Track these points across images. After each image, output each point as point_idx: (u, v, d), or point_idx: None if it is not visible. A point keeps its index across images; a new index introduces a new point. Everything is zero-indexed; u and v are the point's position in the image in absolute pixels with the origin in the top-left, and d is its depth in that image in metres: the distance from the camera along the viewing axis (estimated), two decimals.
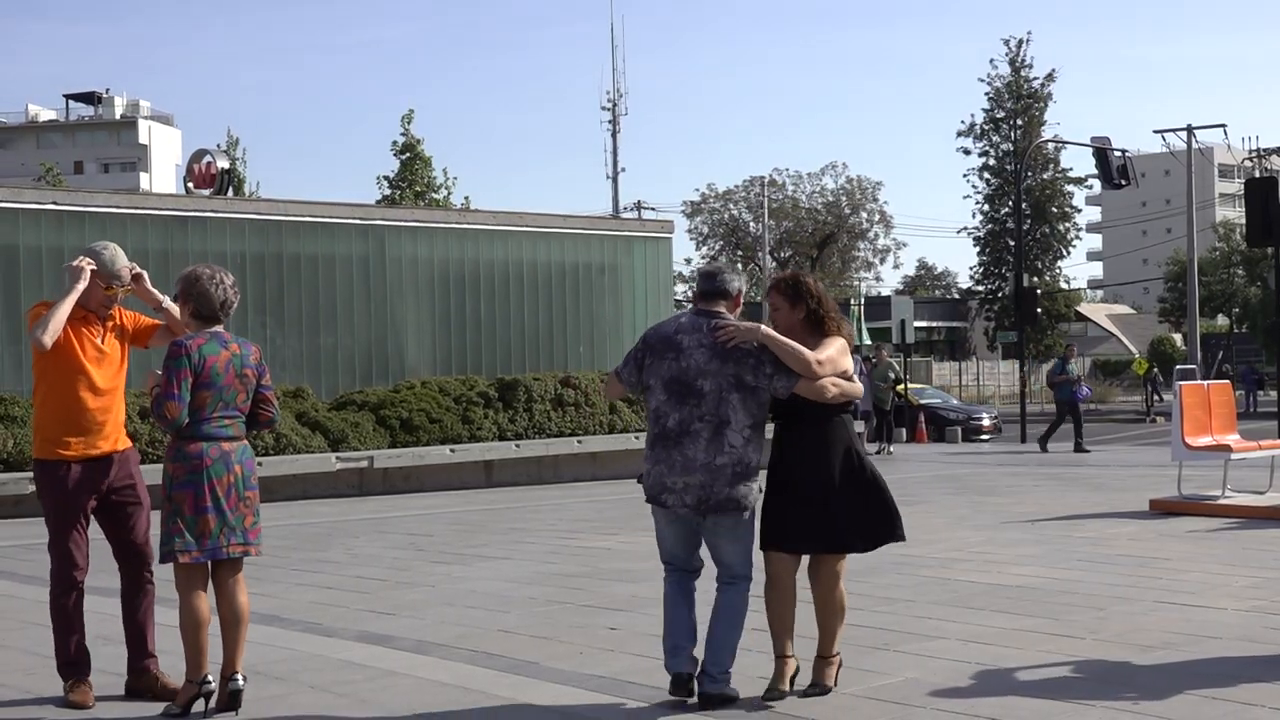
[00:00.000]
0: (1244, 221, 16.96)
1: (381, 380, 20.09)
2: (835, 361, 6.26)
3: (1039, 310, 40.28)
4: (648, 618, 8.31)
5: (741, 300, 6.40)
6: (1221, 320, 77.09)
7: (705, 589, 6.38)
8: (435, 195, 39.29)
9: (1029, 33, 79.46)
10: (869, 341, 43.90)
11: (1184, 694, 6.28)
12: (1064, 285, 72.76)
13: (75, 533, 6.39)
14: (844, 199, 74.00)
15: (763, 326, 6.23)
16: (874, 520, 6.44)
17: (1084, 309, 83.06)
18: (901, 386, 29.82)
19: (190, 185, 25.25)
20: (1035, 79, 68.13)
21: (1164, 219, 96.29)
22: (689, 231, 73.86)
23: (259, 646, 7.21)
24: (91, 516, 6.47)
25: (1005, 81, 68.11)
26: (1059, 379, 26.10)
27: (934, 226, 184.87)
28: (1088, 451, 25.26)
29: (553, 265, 22.44)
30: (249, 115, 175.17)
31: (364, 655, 7.41)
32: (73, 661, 6.41)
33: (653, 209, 63.41)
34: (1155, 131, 47.85)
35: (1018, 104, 67.84)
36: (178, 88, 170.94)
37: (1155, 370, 64.69)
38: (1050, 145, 64.50)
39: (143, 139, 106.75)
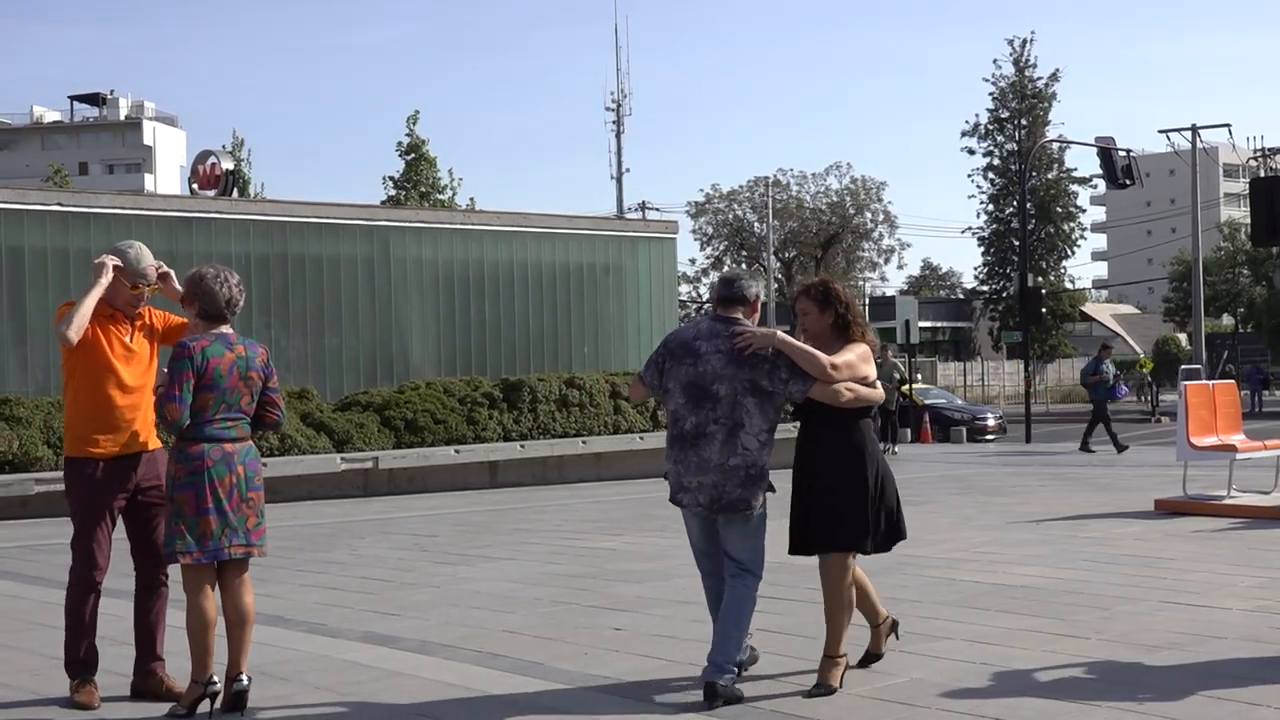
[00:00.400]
0: (1249, 221, 16.93)
1: (386, 381, 20.10)
2: (853, 367, 6.42)
3: (1044, 310, 40.28)
4: (652, 618, 8.31)
5: (759, 305, 6.57)
6: (1226, 320, 77.01)
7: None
8: (440, 196, 39.33)
9: (1033, 32, 79.28)
10: (880, 343, 43.80)
11: (1190, 694, 6.27)
12: (1069, 285, 72.69)
13: (99, 532, 6.40)
14: (848, 199, 73.96)
15: (778, 333, 6.39)
16: (882, 524, 6.58)
17: (1089, 309, 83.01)
18: (906, 387, 29.81)
19: (195, 186, 25.28)
20: (1039, 79, 68.09)
21: (1169, 219, 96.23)
22: (693, 232, 73.85)
23: (264, 647, 7.21)
24: (119, 517, 6.48)
25: (1009, 81, 68.06)
26: (1093, 379, 25.54)
27: (938, 226, 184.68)
28: (1093, 452, 25.12)
29: (557, 266, 22.44)
30: (254, 116, 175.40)
31: (369, 656, 7.41)
32: (82, 661, 6.42)
33: (657, 209, 63.37)
34: (1160, 131, 47.85)
35: (1022, 104, 67.79)
36: (182, 89, 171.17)
37: (1148, 376, 64.56)
38: (1054, 145, 64.45)
39: (147, 140, 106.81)
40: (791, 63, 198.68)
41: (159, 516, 6.43)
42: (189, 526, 6.09)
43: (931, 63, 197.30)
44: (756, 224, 72.78)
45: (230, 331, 6.29)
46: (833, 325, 6.55)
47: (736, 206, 73.94)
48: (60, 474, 15.81)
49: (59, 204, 18.51)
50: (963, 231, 77.85)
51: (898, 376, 27.08)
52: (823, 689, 6.40)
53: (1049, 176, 68.36)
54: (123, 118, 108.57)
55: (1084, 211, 72.53)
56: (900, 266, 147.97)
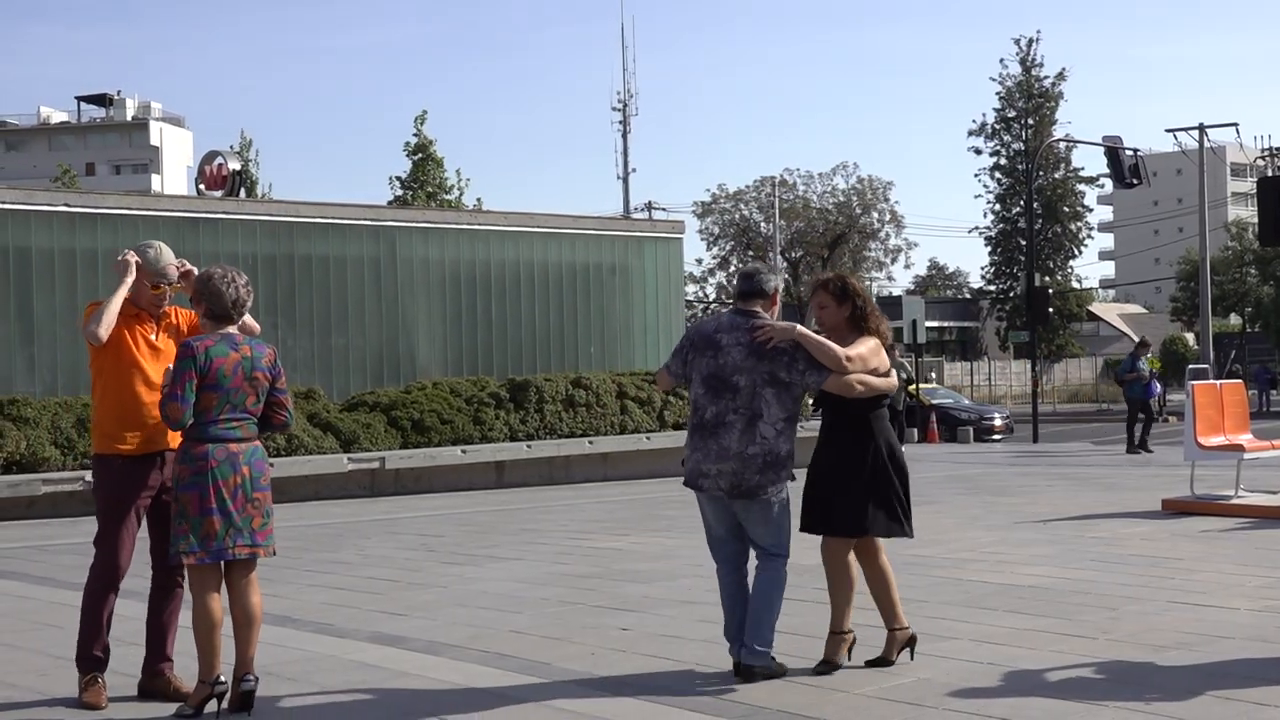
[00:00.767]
0: (1256, 220, 16.91)
1: (393, 381, 20.11)
2: (865, 359, 6.65)
3: (1051, 310, 40.22)
4: (659, 618, 8.31)
5: (779, 298, 6.79)
6: (1234, 320, 76.88)
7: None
8: (447, 196, 39.30)
9: (1039, 32, 79.52)
10: (891, 336, 43.79)
11: (1197, 695, 6.27)
12: (1076, 285, 72.65)
13: (125, 531, 6.41)
14: (855, 199, 73.89)
15: (797, 326, 6.60)
16: (888, 510, 6.83)
17: (1096, 308, 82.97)
18: (913, 386, 29.79)
19: (202, 187, 25.30)
20: (1046, 78, 68.07)
21: (1176, 218, 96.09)
22: (700, 232, 73.79)
23: (271, 647, 7.22)
24: (144, 517, 6.49)
25: (1016, 81, 68.03)
26: (1129, 376, 25.00)
27: (945, 226, 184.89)
28: (1151, 452, 24.35)
29: (564, 266, 22.44)
30: (261, 116, 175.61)
31: (376, 656, 7.42)
32: (94, 658, 6.43)
33: (663, 209, 63.42)
34: (1167, 130, 47.81)
35: (1029, 103, 67.75)
36: (189, 89, 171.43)
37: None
38: (1061, 144, 64.40)
39: (154, 141, 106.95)
40: (798, 62, 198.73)
41: None
42: (192, 527, 6.09)
43: (938, 62, 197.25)
44: (763, 224, 72.73)
45: (236, 332, 6.30)
46: (849, 318, 6.81)
47: (743, 206, 73.88)
48: (67, 474, 15.87)
49: (66, 204, 18.54)
50: (969, 231, 77.72)
51: (904, 376, 27.06)
52: (828, 665, 6.70)
53: (1056, 176, 68.31)
54: (130, 118, 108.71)
55: (1091, 211, 72.59)
56: (907, 266, 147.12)
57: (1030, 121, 67.64)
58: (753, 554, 6.77)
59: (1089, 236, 71.55)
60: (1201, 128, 45.57)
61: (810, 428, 7.21)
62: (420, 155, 39.51)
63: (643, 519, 14.28)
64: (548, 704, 6.34)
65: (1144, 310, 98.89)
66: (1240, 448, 14.06)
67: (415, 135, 39.60)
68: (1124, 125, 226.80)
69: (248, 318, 6.52)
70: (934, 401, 34.95)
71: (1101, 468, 21.20)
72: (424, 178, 39.29)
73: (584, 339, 22.61)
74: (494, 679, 6.85)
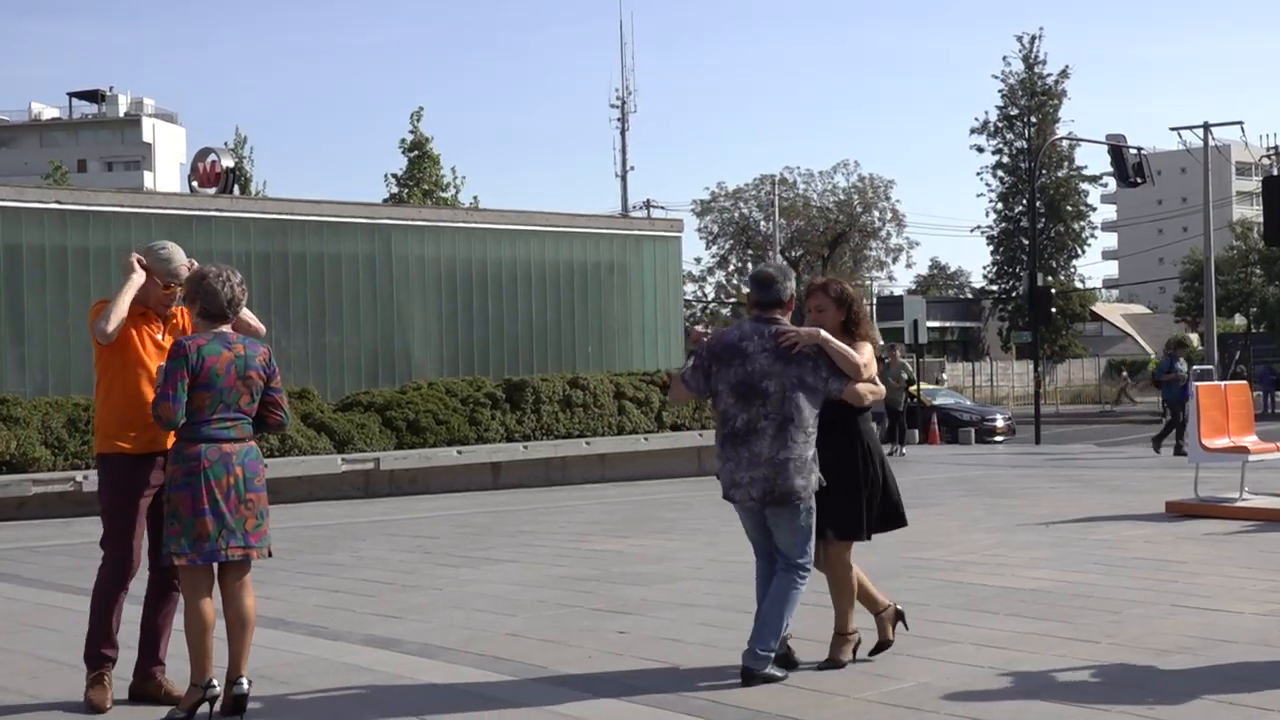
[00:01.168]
0: (1261, 220, 16.92)
1: (388, 381, 20.12)
2: (870, 366, 6.88)
3: (1053, 310, 40.22)
4: (658, 621, 8.31)
5: (794, 302, 6.92)
6: (1239, 320, 76.91)
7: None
8: (443, 194, 39.36)
9: (1041, 29, 79.63)
10: (881, 342, 43.87)
11: (1200, 699, 6.27)
12: (1079, 284, 72.68)
13: (132, 530, 6.42)
14: (856, 197, 73.92)
15: (821, 331, 6.76)
16: (882, 511, 7.09)
17: (1099, 309, 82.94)
18: (914, 387, 29.79)
19: (195, 184, 25.28)
20: (1049, 75, 68.15)
21: (1180, 217, 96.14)
22: (699, 230, 73.81)
23: (264, 650, 7.22)
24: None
25: (1019, 78, 68.08)
26: (1167, 377, 24.66)
27: (947, 225, 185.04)
28: (1158, 454, 24.12)
29: (561, 265, 22.45)
30: (255, 113, 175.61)
31: (370, 659, 7.42)
32: (102, 655, 6.44)
33: (662, 208, 63.43)
34: (1171, 129, 47.86)
35: (1031, 101, 67.81)
36: (183, 85, 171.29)
37: (1125, 374, 64.40)
38: (1064, 143, 64.46)
39: (147, 137, 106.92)
40: (798, 59, 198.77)
41: None
42: (184, 528, 6.09)
43: (940, 59, 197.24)
44: (762, 222, 72.75)
45: (230, 331, 6.31)
46: (843, 323, 6.96)
47: (742, 205, 73.91)
48: (57, 475, 15.85)
49: (57, 202, 18.54)
50: (971, 230, 77.64)
51: (905, 377, 27.05)
52: (832, 664, 6.89)
53: (1059, 174, 68.37)
54: (122, 115, 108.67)
55: (1094, 210, 72.60)
56: (908, 265, 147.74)
57: (1033, 119, 67.67)
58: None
59: (1092, 236, 71.64)
60: (1206, 126, 45.57)
61: None
62: (416, 152, 39.56)
63: (641, 521, 14.28)
64: (545, 709, 6.35)
65: (1148, 310, 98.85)
66: (1245, 450, 14.07)
67: (411, 132, 39.67)
68: (1128, 123, 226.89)
69: (253, 319, 6.56)
70: (935, 402, 34.95)
71: (1105, 470, 21.21)
72: (420, 175, 39.34)
73: (581, 339, 22.61)
74: (490, 683, 6.85)
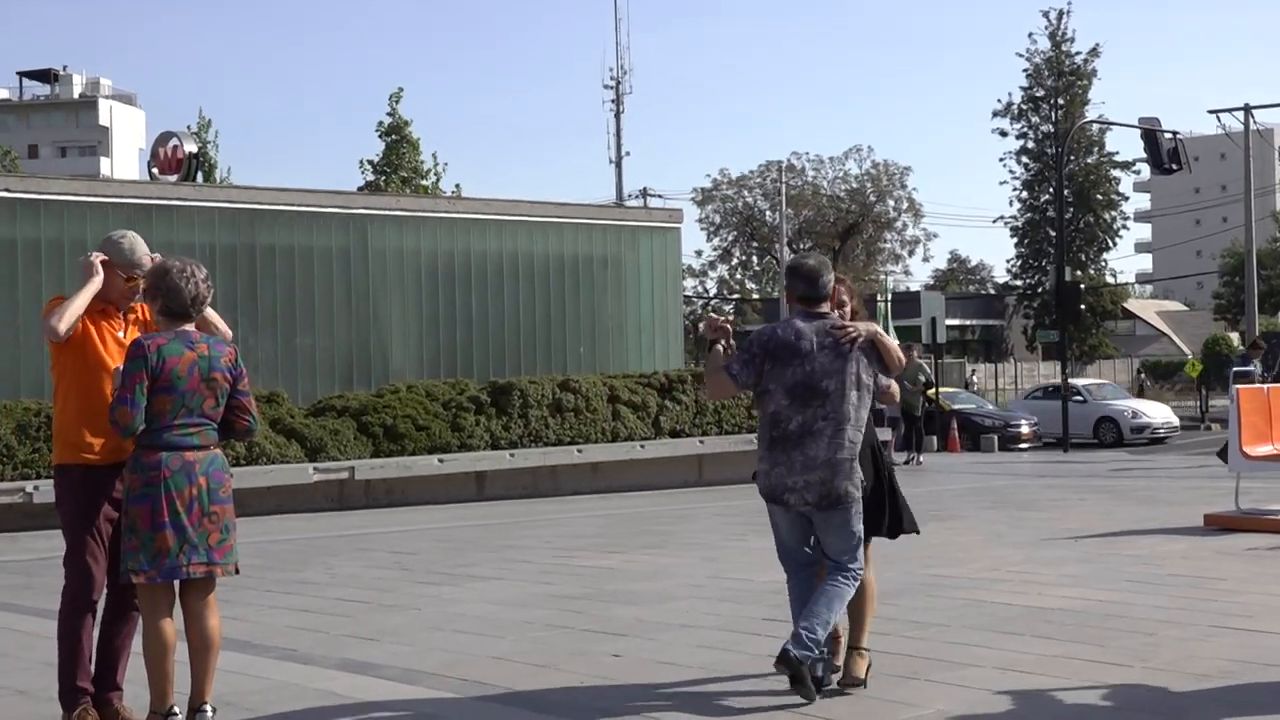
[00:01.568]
0: None
1: (364, 384, 20.12)
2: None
3: (1082, 307, 40.24)
4: (653, 643, 8.31)
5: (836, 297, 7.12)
6: None
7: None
8: (423, 181, 39.37)
9: (1070, 3, 79.38)
10: (896, 341, 43.83)
11: None
12: (1110, 279, 72.75)
13: (95, 546, 6.37)
14: (869, 185, 74.03)
15: (875, 325, 7.02)
16: (896, 512, 7.31)
17: (1132, 305, 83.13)
18: (932, 390, 29.80)
19: (155, 171, 25.31)
20: (1077, 54, 68.17)
21: (1219, 207, 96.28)
22: (699, 221, 73.94)
23: (230, 675, 7.21)
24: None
25: (1045, 57, 68.14)
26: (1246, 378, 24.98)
27: (967, 215, 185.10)
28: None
29: (551, 258, 22.45)
30: (220, 95, 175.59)
31: (344, 685, 7.41)
32: (79, 689, 6.39)
33: (660, 196, 63.57)
34: (1210, 111, 47.98)
35: (1058, 81, 67.85)
36: (142, 65, 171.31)
37: (1141, 373, 64.36)
38: (1094, 126, 64.53)
39: (103, 120, 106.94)
40: (806, 37, 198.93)
41: None
42: (143, 543, 6.06)
43: (961, 37, 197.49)
44: (768, 212, 72.83)
45: (193, 330, 6.27)
46: (852, 316, 7.22)
47: (747, 193, 74.02)
48: (6, 486, 15.77)
49: (6, 190, 18.53)
50: (994, 221, 77.60)
51: (923, 379, 27.05)
52: (853, 680, 6.95)
53: (1088, 161, 68.43)
54: (77, 96, 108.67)
55: (1126, 199, 72.63)
56: (926, 259, 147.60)
57: (1060, 101, 67.72)
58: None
59: (1124, 227, 71.69)
60: (1247, 108, 45.63)
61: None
62: (394, 137, 39.55)
63: (636, 535, 14.29)
64: None
65: (1184, 307, 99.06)
66: None
67: (389, 115, 39.66)
68: (1162, 106, 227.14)
69: (219, 321, 6.53)
70: (955, 407, 34.96)
71: (1138, 480, 21.23)
72: (398, 161, 39.34)
73: (573, 338, 22.62)
74: (473, 710, 6.84)
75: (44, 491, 14.08)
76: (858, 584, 6.89)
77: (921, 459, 26.08)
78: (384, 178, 38.89)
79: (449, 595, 10.40)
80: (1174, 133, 35.91)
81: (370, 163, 39.60)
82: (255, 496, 16.31)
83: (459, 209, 22.49)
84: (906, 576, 10.21)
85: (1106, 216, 69.52)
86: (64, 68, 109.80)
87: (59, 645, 6.43)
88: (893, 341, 7.04)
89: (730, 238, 74.56)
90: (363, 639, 8.70)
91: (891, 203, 74.95)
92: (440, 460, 18.26)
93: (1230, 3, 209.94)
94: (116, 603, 6.51)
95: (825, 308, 6.95)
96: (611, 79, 60.26)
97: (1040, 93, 68.48)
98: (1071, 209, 64.70)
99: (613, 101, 59.95)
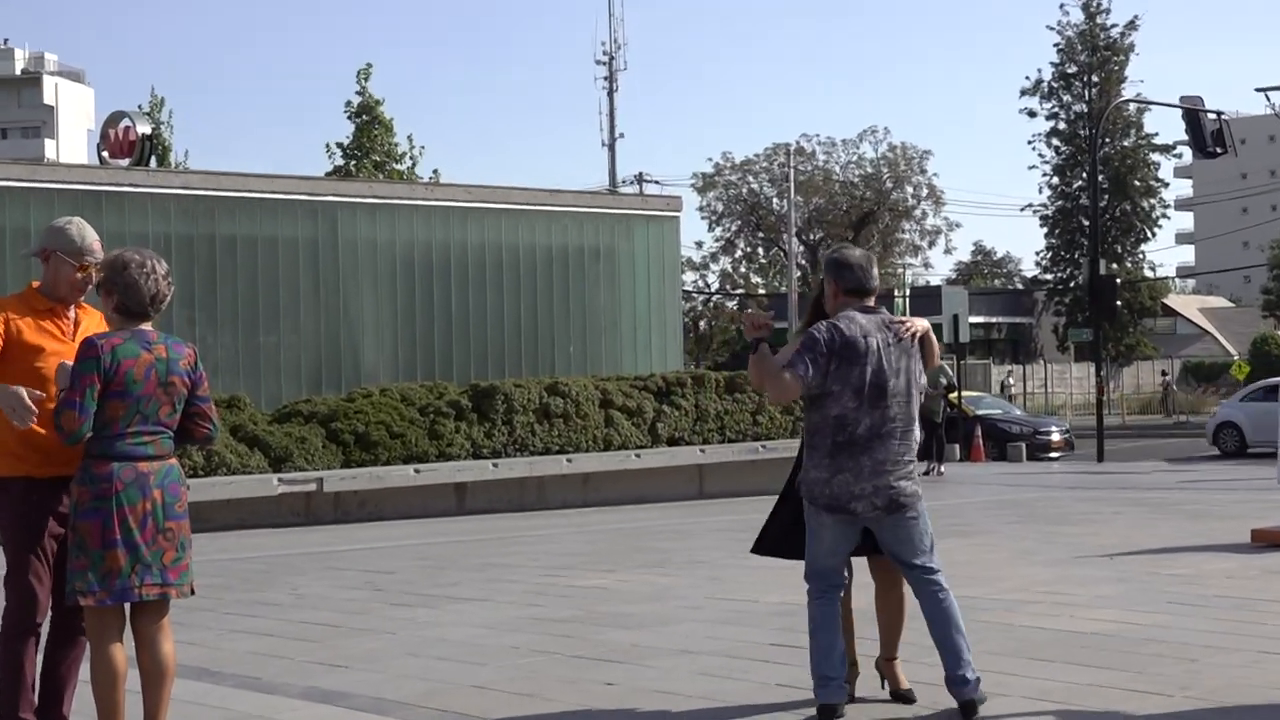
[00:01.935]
0: None
1: (333, 387, 20.12)
2: None
3: (1118, 303, 40.26)
4: (650, 671, 8.31)
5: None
6: None
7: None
8: (397, 166, 39.38)
9: None
10: None
11: None
12: (1148, 273, 72.82)
13: (39, 565, 6.34)
14: (885, 171, 74.03)
15: (926, 322, 7.22)
16: None
17: (1172, 301, 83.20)
18: (955, 395, 29.82)
19: (105, 154, 25.29)
20: (1113, 27, 68.32)
21: (1268, 194, 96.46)
22: (700, 209, 73.85)
23: (186, 705, 7.21)
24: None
25: (1078, 30, 68.25)
26: None
27: (993, 204, 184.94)
28: None
29: (538, 250, 22.46)
30: (175, 72, 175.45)
31: (311, 716, 7.41)
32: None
33: (657, 183, 63.46)
34: (1257, 90, 48.00)
35: (1093, 57, 67.93)
36: (91, 39, 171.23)
37: (1166, 375, 64.32)
38: (1132, 106, 64.54)
39: (48, 99, 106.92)
40: (816, 8, 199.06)
41: None
42: (92, 562, 6.04)
43: (985, 8, 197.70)
44: (775, 200, 72.85)
45: (150, 329, 6.24)
46: None
47: (752, 179, 74.00)
48: None
49: None
50: (1022, 209, 77.77)
51: (944, 382, 27.07)
52: (904, 693, 7.28)
53: (1125, 144, 68.53)
54: (19, 72, 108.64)
55: (1166, 186, 72.71)
56: (948, 251, 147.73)
57: (1094, 79, 67.83)
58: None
59: (1164, 216, 71.77)
60: None
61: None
62: (365, 118, 39.55)
63: (631, 552, 14.28)
64: None
65: (1230, 304, 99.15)
66: None
67: (359, 94, 39.65)
68: (1206, 84, 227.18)
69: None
70: (979, 412, 35.00)
71: (1179, 492, 21.25)
72: (370, 144, 39.34)
73: (562, 337, 22.62)
74: None
75: None
76: (949, 588, 7.07)
77: (943, 469, 26.12)
78: (355, 162, 38.89)
79: (426, 618, 10.40)
80: (1219, 113, 35.90)
81: (340, 146, 39.59)
82: (214, 510, 16.31)
83: (437, 196, 22.48)
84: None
85: (1145, 204, 69.61)
86: (4, 41, 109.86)
87: (2, 675, 6.42)
88: (934, 340, 7.24)
89: (734, 227, 74.53)
90: (331, 666, 8.69)
91: (910, 189, 74.91)
92: (416, 471, 18.26)
93: None
94: (62, 627, 6.50)
95: (873, 301, 7.10)
96: (604, 54, 60.29)
97: (1073, 69, 68.57)
98: (1106, 196, 64.79)
99: (605, 79, 59.99)
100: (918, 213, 75.41)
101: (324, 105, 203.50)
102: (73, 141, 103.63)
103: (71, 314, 6.48)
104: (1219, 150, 35.85)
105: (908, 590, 7.28)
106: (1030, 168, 78.82)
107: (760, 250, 76.65)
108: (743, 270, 75.97)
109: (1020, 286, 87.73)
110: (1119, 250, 68.03)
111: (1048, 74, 69.06)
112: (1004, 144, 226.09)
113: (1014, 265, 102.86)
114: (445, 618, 10.41)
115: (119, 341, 6.09)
